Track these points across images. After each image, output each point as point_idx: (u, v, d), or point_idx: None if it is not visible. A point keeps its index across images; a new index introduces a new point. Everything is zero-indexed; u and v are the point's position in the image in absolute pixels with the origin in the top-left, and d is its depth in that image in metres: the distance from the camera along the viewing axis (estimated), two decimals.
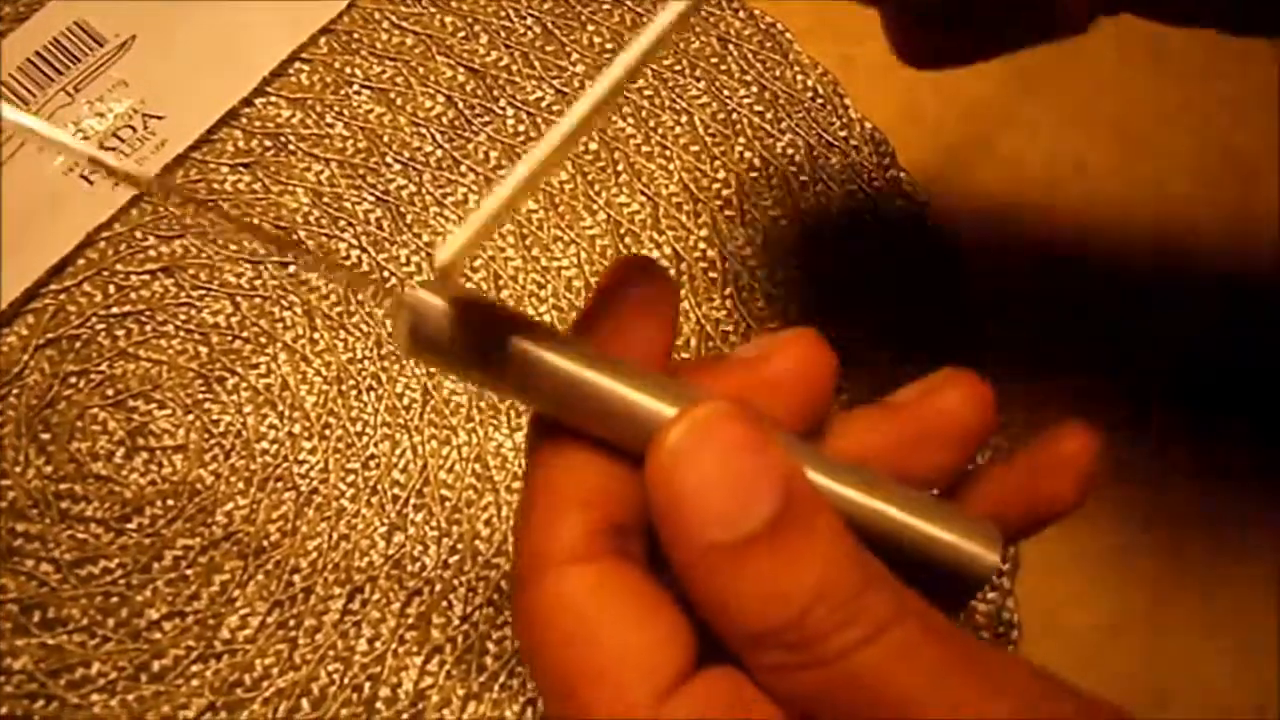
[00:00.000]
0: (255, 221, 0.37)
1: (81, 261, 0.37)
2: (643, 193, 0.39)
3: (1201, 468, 0.36)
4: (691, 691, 0.17)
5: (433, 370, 0.35)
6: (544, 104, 0.40)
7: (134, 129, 0.38)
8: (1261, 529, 0.36)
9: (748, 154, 0.40)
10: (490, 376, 0.18)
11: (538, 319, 0.19)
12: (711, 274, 0.38)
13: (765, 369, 0.20)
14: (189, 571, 0.34)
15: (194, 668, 0.33)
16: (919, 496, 0.20)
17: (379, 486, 0.35)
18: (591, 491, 0.18)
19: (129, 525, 0.34)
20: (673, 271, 0.38)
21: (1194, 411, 0.37)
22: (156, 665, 0.33)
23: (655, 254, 0.38)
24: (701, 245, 0.38)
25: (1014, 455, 0.22)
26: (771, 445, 0.17)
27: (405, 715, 0.32)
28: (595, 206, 0.39)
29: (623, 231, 0.39)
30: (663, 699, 0.17)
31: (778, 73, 0.41)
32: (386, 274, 0.38)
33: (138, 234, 0.37)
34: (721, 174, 0.40)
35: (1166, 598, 0.35)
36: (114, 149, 0.38)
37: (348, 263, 0.38)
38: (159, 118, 0.38)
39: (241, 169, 0.39)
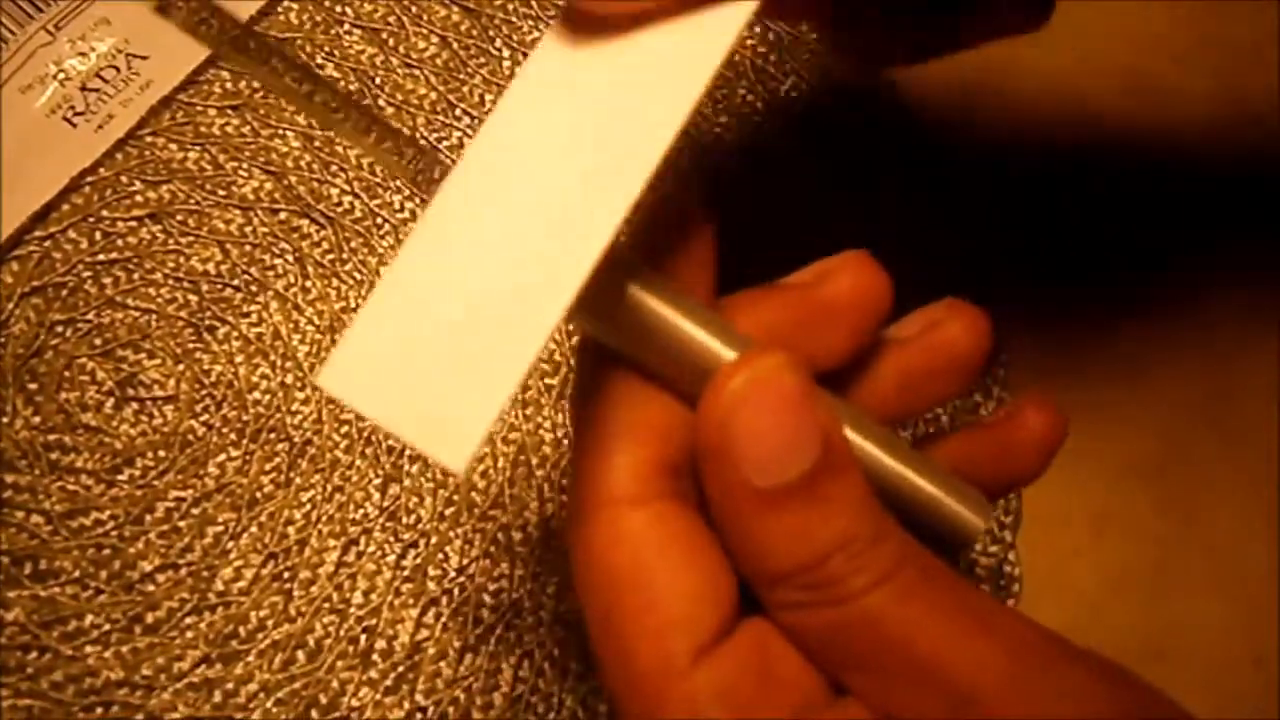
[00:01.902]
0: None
1: (66, 207, 0.36)
2: None
3: (1206, 421, 0.36)
4: (722, 654, 0.18)
5: None
6: None
7: (117, 69, 0.37)
8: (1263, 484, 0.35)
9: (750, 97, 0.39)
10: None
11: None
12: None
13: (821, 293, 0.21)
14: (182, 523, 0.33)
15: (188, 620, 0.32)
16: (923, 456, 0.21)
17: (373, 438, 0.34)
18: (649, 428, 0.19)
19: (120, 477, 0.34)
20: None
21: (1199, 364, 0.36)
22: (150, 617, 0.32)
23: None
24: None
25: (980, 423, 0.23)
26: (818, 401, 0.18)
27: (401, 667, 0.32)
28: None
29: None
30: (699, 655, 0.18)
31: None
32: (380, 220, 0.37)
33: (123, 179, 0.36)
34: (724, 119, 0.39)
35: (1167, 552, 0.35)
36: (96, 91, 0.37)
37: (339, 209, 0.37)
38: (143, 58, 0.37)
39: (230, 111, 0.38)
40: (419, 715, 0.32)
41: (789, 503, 0.18)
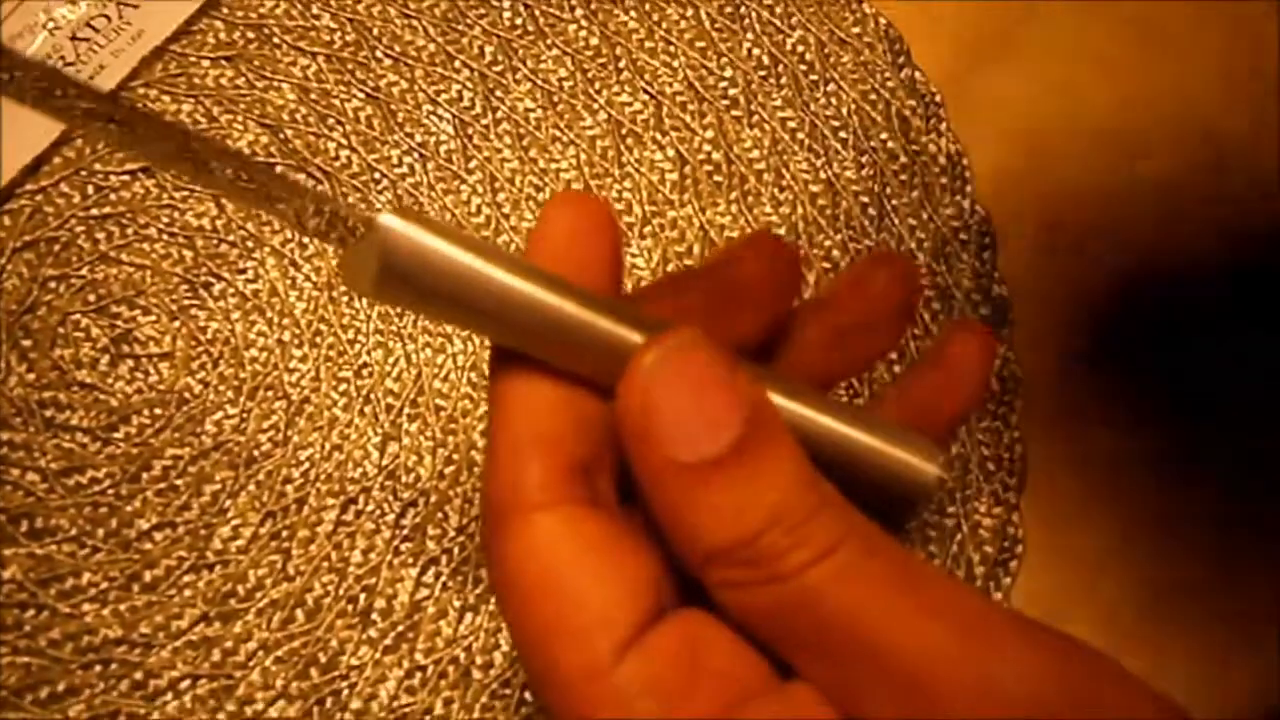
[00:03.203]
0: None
1: (58, 160, 0.35)
2: (645, 91, 0.37)
3: (1213, 395, 0.36)
4: (646, 647, 0.17)
5: (395, 307, 0.34)
6: None
7: (108, 18, 0.36)
8: (1267, 443, 0.35)
9: (756, 50, 0.38)
10: (459, 308, 0.18)
11: (502, 245, 0.19)
12: (716, 177, 0.37)
13: (729, 275, 0.21)
14: (179, 481, 0.33)
15: (186, 578, 0.32)
16: (861, 412, 0.21)
17: (372, 395, 0.34)
18: (554, 431, 0.18)
19: (116, 434, 0.33)
20: (676, 175, 0.37)
21: (1208, 337, 0.36)
22: (148, 575, 0.32)
23: (658, 155, 0.37)
24: (706, 147, 0.37)
25: (911, 371, 0.23)
26: (738, 372, 0.18)
27: (401, 626, 0.32)
28: (595, 105, 0.37)
29: (624, 132, 0.37)
30: (622, 650, 0.17)
31: None
32: (377, 175, 0.36)
33: None
34: (728, 71, 0.38)
35: (1170, 513, 0.34)
36: (87, 40, 0.36)
37: (336, 163, 0.36)
38: (134, 6, 0.36)
39: (224, 62, 0.37)
40: (418, 674, 0.32)
41: (717, 476, 0.17)
